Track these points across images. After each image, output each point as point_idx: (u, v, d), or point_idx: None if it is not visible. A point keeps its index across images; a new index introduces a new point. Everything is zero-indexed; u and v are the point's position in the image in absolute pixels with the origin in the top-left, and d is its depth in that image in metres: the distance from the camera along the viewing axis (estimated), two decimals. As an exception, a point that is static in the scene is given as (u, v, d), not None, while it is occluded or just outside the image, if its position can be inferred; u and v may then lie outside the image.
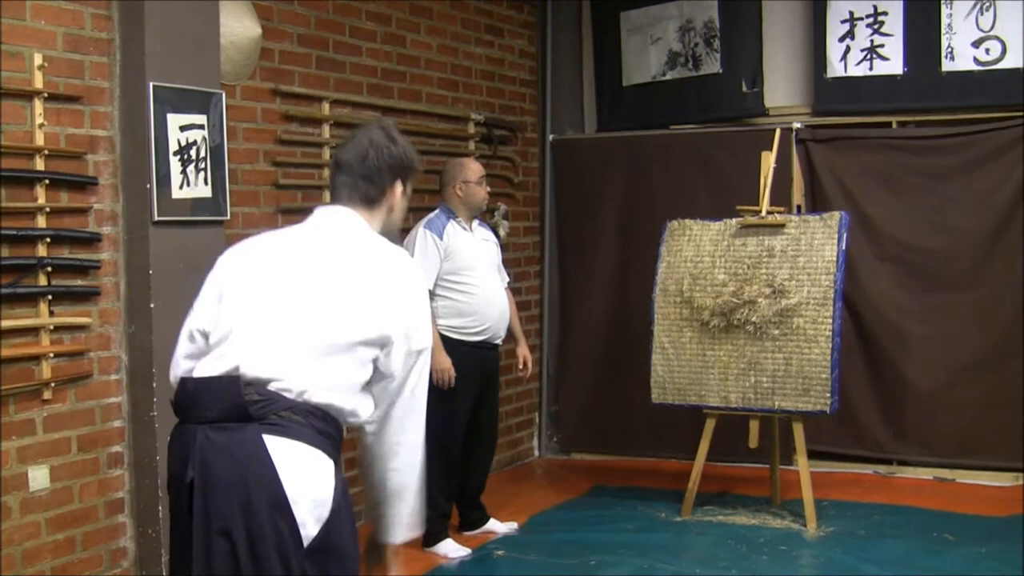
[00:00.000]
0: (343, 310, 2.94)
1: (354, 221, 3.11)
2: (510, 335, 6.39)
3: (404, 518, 3.13)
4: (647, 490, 7.23)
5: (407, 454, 3.09)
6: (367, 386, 3.00)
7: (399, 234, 3.39)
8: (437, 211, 6.15)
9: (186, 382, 2.93)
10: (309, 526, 2.80)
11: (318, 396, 2.87)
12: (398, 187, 3.18)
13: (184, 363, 3.02)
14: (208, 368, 2.90)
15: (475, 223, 6.25)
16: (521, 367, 6.48)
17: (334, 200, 3.17)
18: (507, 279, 6.46)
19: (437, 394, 5.97)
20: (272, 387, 2.84)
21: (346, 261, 3.03)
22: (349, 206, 3.13)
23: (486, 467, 6.48)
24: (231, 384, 2.83)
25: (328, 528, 2.84)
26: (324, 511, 2.84)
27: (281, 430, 2.81)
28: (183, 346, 3.06)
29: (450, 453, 6.12)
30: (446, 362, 5.93)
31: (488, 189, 6.27)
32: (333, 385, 2.90)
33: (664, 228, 6.78)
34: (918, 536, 6.13)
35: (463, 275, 6.05)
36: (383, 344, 2.97)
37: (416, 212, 6.69)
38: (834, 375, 6.14)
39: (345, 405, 2.93)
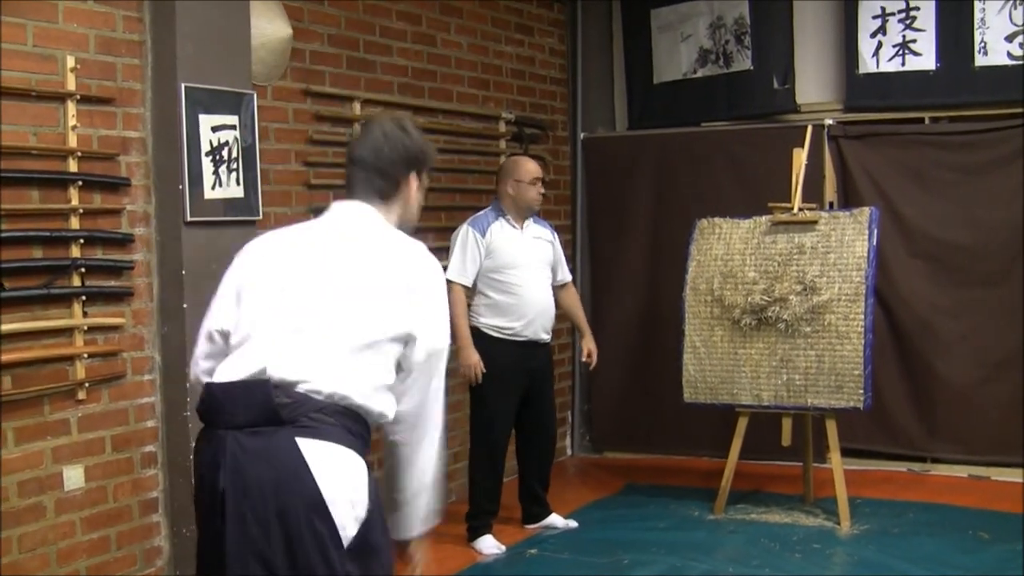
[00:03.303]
0: (366, 307, 2.91)
1: (370, 215, 3.08)
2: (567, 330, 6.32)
3: (421, 513, 3.12)
4: (679, 488, 7.22)
5: (426, 455, 3.07)
6: (392, 386, 2.97)
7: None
8: (487, 208, 6.20)
9: (212, 387, 2.90)
10: (348, 527, 2.79)
11: (347, 396, 2.85)
12: (413, 180, 3.15)
13: (203, 363, 3.02)
14: (233, 371, 2.87)
15: (530, 221, 6.24)
16: (585, 357, 6.53)
17: (350, 196, 3.13)
18: (567, 276, 6.49)
19: (476, 393, 6.07)
20: (301, 388, 2.81)
21: (365, 256, 3.00)
22: (365, 201, 3.10)
23: (545, 462, 6.45)
24: (260, 387, 2.80)
25: (366, 528, 2.83)
26: (361, 511, 2.82)
27: (314, 432, 2.78)
28: (202, 346, 3.06)
29: (493, 451, 6.15)
30: (473, 357, 5.95)
31: (542, 190, 6.20)
32: (361, 384, 2.87)
33: (694, 227, 6.77)
34: (952, 534, 6.10)
35: (504, 273, 6.06)
36: (406, 341, 2.95)
37: (465, 211, 6.71)
38: (867, 371, 6.11)
39: (373, 405, 2.90)
